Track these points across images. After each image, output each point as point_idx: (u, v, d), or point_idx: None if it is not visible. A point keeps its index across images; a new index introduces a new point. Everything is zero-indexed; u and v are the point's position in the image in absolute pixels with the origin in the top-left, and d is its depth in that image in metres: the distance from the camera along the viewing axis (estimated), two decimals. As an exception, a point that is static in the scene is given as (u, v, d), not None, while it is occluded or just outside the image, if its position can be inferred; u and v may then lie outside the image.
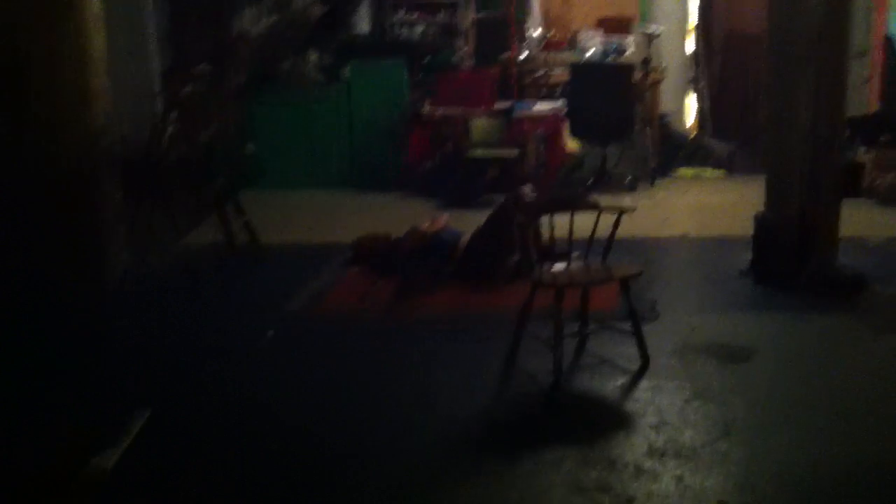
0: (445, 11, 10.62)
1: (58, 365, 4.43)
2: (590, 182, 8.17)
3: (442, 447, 3.54)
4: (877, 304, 5.19)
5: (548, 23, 9.38)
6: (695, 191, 8.35)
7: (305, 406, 3.95)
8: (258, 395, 4.05)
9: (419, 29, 10.52)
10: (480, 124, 8.19)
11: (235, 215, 6.06)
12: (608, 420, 3.75)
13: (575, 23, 10.37)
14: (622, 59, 8.94)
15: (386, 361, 4.44)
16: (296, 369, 4.38)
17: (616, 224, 4.29)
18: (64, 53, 5.05)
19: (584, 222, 4.27)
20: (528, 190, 5.46)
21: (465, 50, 10.22)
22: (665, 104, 9.27)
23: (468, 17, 10.56)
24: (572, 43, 9.49)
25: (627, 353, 4.28)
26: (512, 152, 8.07)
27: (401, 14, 10.64)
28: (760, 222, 5.57)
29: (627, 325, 4.26)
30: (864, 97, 8.44)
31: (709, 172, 9.07)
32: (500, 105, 8.31)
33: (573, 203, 4.48)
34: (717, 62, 11.93)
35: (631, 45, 9.24)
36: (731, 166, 9.12)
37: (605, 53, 9.14)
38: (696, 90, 10.20)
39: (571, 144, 8.53)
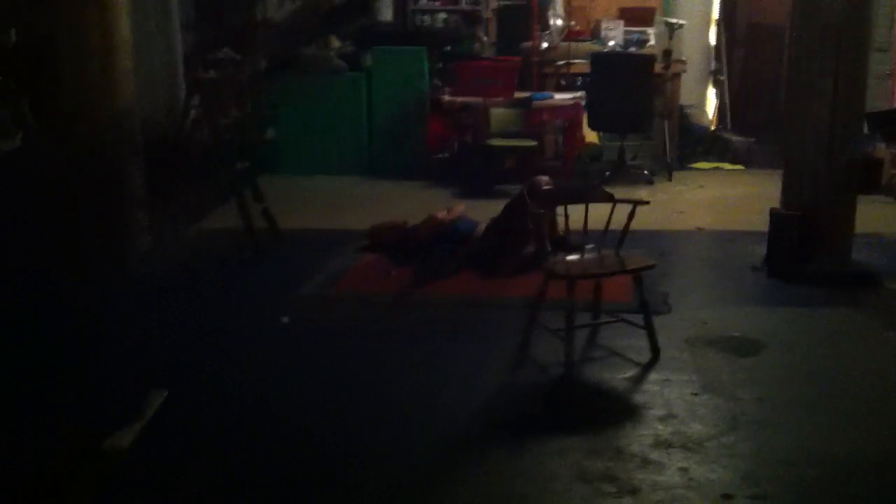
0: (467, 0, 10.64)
1: (81, 342, 4.52)
2: (607, 174, 8.18)
3: (450, 434, 3.57)
4: (889, 301, 5.21)
5: (570, 12, 9.39)
6: (712, 184, 8.35)
7: (316, 387, 4.00)
8: (264, 382, 4.09)
9: (441, 17, 10.54)
10: (499, 113, 8.21)
11: (254, 201, 6.12)
12: (616, 411, 3.78)
13: (597, 13, 10.37)
14: (643, 51, 8.93)
15: (393, 347, 4.48)
16: (306, 353, 4.43)
17: (630, 216, 4.31)
18: (90, 38, 5.12)
19: (599, 214, 4.30)
20: (544, 180, 5.49)
21: (486, 39, 10.23)
22: (685, 96, 9.26)
23: (490, 5, 10.57)
24: (594, 33, 9.49)
25: (638, 345, 4.32)
26: (530, 142, 8.11)
27: (423, 2, 10.66)
28: (775, 217, 5.58)
29: (639, 318, 4.29)
30: (885, 92, 8.39)
31: (727, 166, 9.07)
32: (520, 95, 8.33)
33: (588, 194, 4.51)
34: (740, 55, 11.89)
35: (652, 37, 9.24)
36: (749, 160, 9.12)
37: (626, 44, 9.14)
38: (716, 83, 10.17)
39: (590, 136, 8.55)
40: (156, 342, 4.54)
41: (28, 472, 3.21)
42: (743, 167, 9.03)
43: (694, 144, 9.26)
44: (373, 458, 3.39)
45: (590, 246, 4.34)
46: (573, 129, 8.31)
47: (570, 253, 4.34)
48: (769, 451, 3.40)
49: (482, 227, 5.87)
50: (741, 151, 9.22)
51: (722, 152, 9.29)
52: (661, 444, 3.43)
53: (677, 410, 3.71)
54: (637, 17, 9.69)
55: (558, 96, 8.39)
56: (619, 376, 4.10)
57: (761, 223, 5.71)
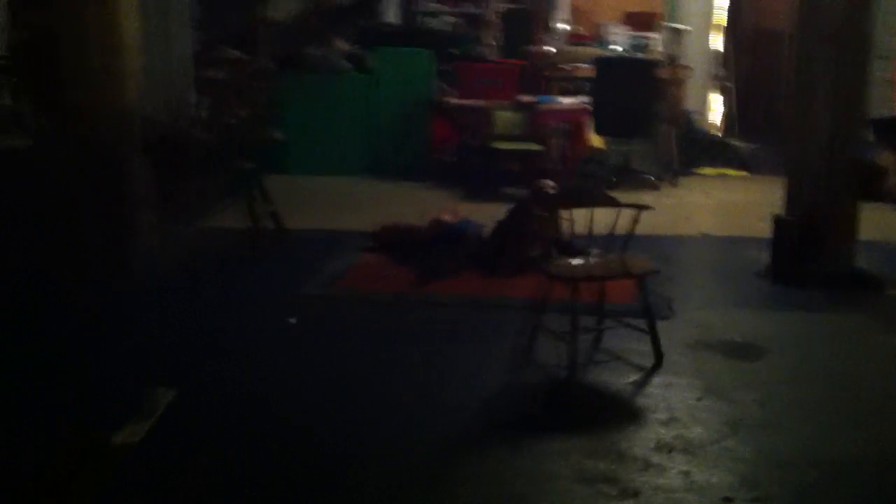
0: (473, 2, 10.66)
1: (84, 340, 4.54)
2: (613, 179, 8.19)
3: (451, 434, 3.58)
4: (891, 306, 5.23)
5: (574, 17, 9.40)
6: (717, 190, 8.37)
7: (315, 388, 4.01)
8: (265, 381, 4.10)
9: (446, 19, 10.57)
10: (504, 116, 8.23)
11: (261, 201, 6.13)
12: (618, 414, 3.78)
13: (601, 17, 10.39)
14: (647, 55, 8.95)
15: (395, 346, 4.49)
16: (307, 352, 4.44)
17: (634, 220, 4.32)
18: (97, 38, 5.14)
19: (603, 218, 4.31)
20: (548, 184, 5.51)
21: (491, 41, 10.26)
22: (689, 102, 9.28)
23: (495, 8, 10.59)
24: (598, 37, 9.52)
25: (641, 349, 4.31)
26: (534, 146, 8.12)
27: (428, 4, 10.69)
28: (778, 222, 5.60)
29: (642, 321, 4.30)
30: (887, 99, 8.41)
31: (732, 172, 9.09)
32: (524, 98, 8.34)
33: (592, 198, 4.52)
34: (745, 61, 11.90)
35: (656, 42, 9.26)
36: (754, 166, 9.13)
37: (630, 49, 9.17)
38: (722, 89, 10.19)
39: (595, 140, 8.57)
40: (158, 341, 4.55)
41: (32, 469, 3.21)
42: (747, 173, 9.05)
43: (699, 150, 9.27)
44: (373, 457, 3.39)
45: (594, 250, 4.35)
46: (577, 132, 8.32)
47: (574, 256, 4.35)
48: (770, 454, 3.40)
49: (487, 228, 5.89)
50: (746, 157, 9.24)
51: (727, 158, 9.30)
52: (663, 447, 3.43)
53: (679, 414, 3.72)
54: (641, 22, 9.73)
55: (562, 100, 8.40)
56: (621, 379, 4.10)
57: (765, 229, 5.73)
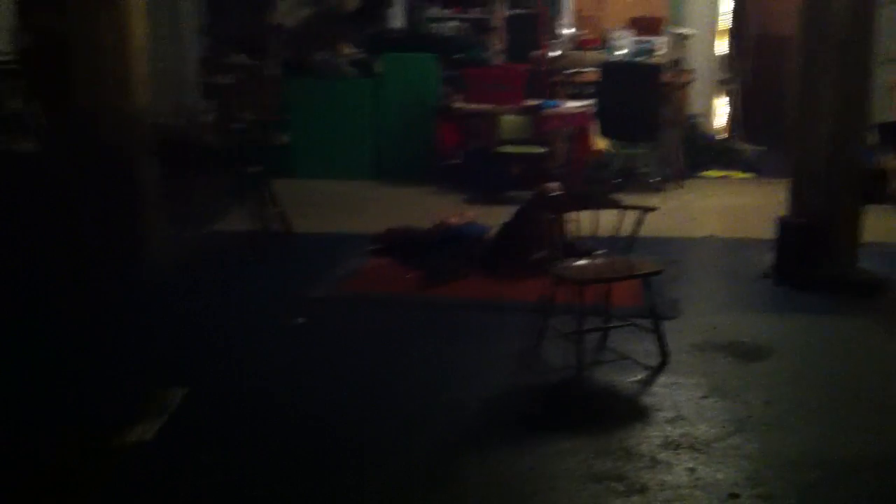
0: (478, 7, 10.71)
1: (96, 339, 4.59)
2: (618, 181, 8.24)
3: (459, 432, 3.63)
4: (894, 309, 5.24)
5: (579, 21, 9.45)
6: (722, 192, 8.41)
7: (320, 389, 4.05)
8: (272, 381, 4.14)
9: (452, 24, 10.61)
10: (509, 121, 8.29)
11: (268, 203, 6.18)
12: (625, 413, 3.82)
13: (606, 22, 10.43)
14: (652, 60, 9.00)
15: (407, 347, 4.54)
16: (314, 352, 4.48)
17: (639, 222, 4.37)
18: (107, 42, 5.20)
19: (608, 220, 4.35)
20: (554, 187, 5.55)
21: (496, 46, 10.30)
22: (694, 105, 9.32)
23: (500, 13, 10.64)
24: (603, 42, 9.56)
25: (647, 349, 4.36)
26: (540, 149, 8.17)
27: (434, 9, 10.74)
28: (782, 225, 5.63)
29: (648, 322, 4.34)
30: (892, 104, 8.43)
31: (737, 174, 9.13)
32: (530, 102, 8.39)
33: (597, 201, 4.57)
34: (750, 64, 11.94)
35: (661, 46, 9.30)
36: (759, 169, 9.17)
37: (635, 53, 9.21)
38: (726, 92, 10.23)
39: (600, 143, 8.61)
40: (167, 341, 4.60)
41: (42, 468, 3.27)
42: (752, 175, 9.08)
43: (703, 153, 9.31)
44: (381, 456, 3.43)
45: (599, 251, 4.39)
46: (582, 136, 8.37)
47: (580, 258, 4.40)
48: (775, 453, 3.44)
49: (493, 231, 5.93)
50: (751, 160, 9.27)
51: (731, 161, 9.34)
52: (670, 444, 3.48)
53: (685, 412, 3.76)
54: (646, 27, 9.75)
55: (567, 104, 8.45)
56: (628, 379, 4.15)
57: (770, 231, 5.76)
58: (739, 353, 4.45)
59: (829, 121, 5.41)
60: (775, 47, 11.34)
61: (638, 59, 9.09)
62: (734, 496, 3.11)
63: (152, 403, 3.73)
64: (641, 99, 8.20)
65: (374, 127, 8.90)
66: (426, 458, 3.42)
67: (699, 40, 9.50)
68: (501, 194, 7.70)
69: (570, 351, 4.14)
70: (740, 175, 9.12)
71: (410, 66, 8.89)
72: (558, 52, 9.27)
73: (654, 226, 4.78)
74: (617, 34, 9.40)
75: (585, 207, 4.46)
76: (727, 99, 10.23)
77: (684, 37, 8.85)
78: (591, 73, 8.80)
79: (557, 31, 9.63)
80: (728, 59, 10.29)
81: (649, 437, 3.54)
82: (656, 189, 8.26)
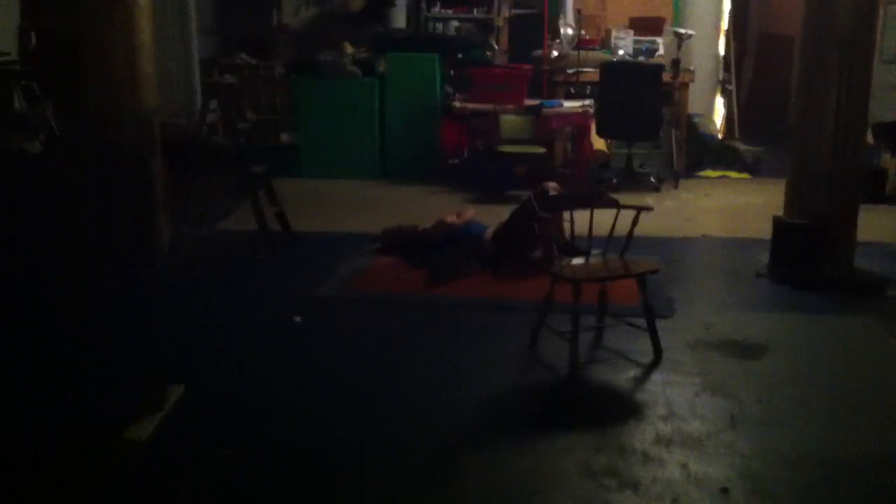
0: (480, 8, 10.77)
1: (95, 337, 4.65)
2: (615, 181, 8.31)
3: (459, 432, 3.68)
4: (892, 307, 5.30)
5: (581, 22, 9.49)
6: (719, 192, 8.46)
7: (321, 388, 4.10)
8: (275, 380, 4.20)
9: (454, 24, 10.68)
10: (510, 120, 8.34)
11: (268, 203, 6.24)
12: (619, 410, 3.88)
13: (608, 22, 10.49)
14: (652, 60, 9.05)
15: (408, 347, 4.59)
16: (317, 352, 4.53)
17: (634, 222, 4.43)
18: (115, 42, 5.26)
19: (605, 220, 4.42)
20: (551, 186, 5.61)
21: (498, 47, 10.36)
22: (693, 105, 9.37)
23: (502, 13, 10.70)
24: (604, 42, 9.61)
25: (642, 347, 4.42)
26: (540, 149, 8.24)
27: (436, 9, 10.81)
28: (779, 225, 5.69)
29: (643, 321, 4.40)
30: (892, 104, 8.49)
31: (735, 174, 9.18)
32: (530, 102, 8.45)
33: (593, 200, 4.63)
34: (750, 65, 12.00)
35: (662, 46, 9.36)
36: (757, 169, 9.22)
37: (635, 54, 9.27)
38: (725, 93, 10.29)
39: (599, 143, 8.67)
40: (168, 340, 4.65)
41: (42, 464, 3.31)
42: (750, 176, 9.14)
43: (702, 153, 9.37)
44: (381, 453, 3.48)
45: (596, 251, 4.45)
46: (582, 136, 8.43)
47: (577, 257, 4.46)
48: (768, 449, 3.49)
49: (490, 231, 6.00)
50: (749, 160, 9.33)
51: (730, 161, 9.40)
52: (662, 441, 3.54)
53: (678, 409, 3.82)
54: (647, 27, 9.81)
55: (568, 104, 8.50)
56: (622, 377, 4.20)
57: (767, 231, 5.83)
58: (734, 352, 4.50)
59: (830, 121, 5.46)
60: (775, 48, 11.41)
61: (639, 59, 9.15)
62: (725, 491, 3.17)
63: (150, 400, 3.77)
64: (642, 99, 8.26)
65: (378, 127, 8.96)
66: (425, 457, 3.47)
67: (700, 40, 9.54)
68: (503, 193, 7.77)
69: (566, 350, 4.19)
70: (738, 175, 9.17)
71: (414, 66, 8.95)
72: (559, 52, 9.32)
73: (652, 225, 4.84)
74: (618, 34, 9.46)
75: (583, 207, 4.52)
76: (725, 99, 10.28)
77: (685, 37, 8.90)
78: (592, 73, 8.85)
79: (559, 31, 9.67)
80: (726, 60, 10.34)
81: (642, 434, 3.60)
82: (654, 189, 8.32)
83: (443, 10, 10.85)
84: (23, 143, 5.53)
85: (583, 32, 9.42)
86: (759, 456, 3.44)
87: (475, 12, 10.74)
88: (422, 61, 8.93)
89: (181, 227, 5.79)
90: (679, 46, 8.83)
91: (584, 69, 8.89)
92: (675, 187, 8.47)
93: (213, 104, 6.34)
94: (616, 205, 4.50)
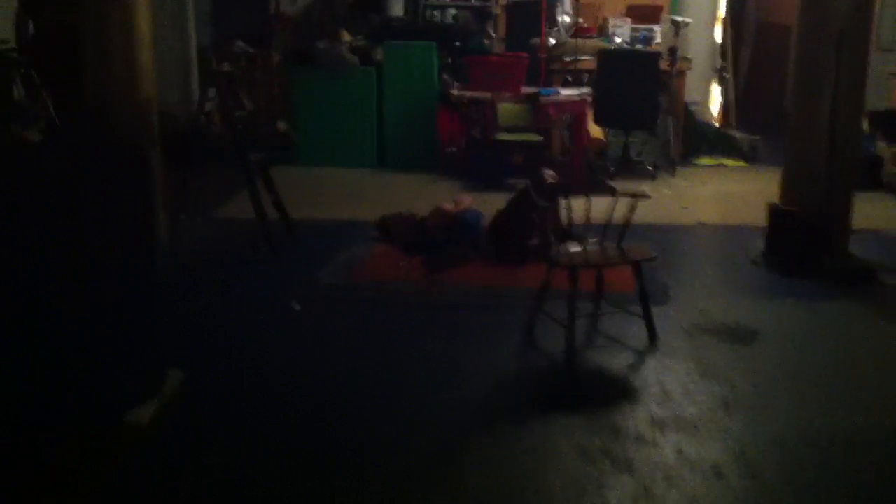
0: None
1: (102, 325, 4.69)
2: (612, 169, 8.35)
3: (459, 416, 3.73)
4: (885, 294, 5.34)
5: (578, 9, 9.51)
6: (716, 180, 8.49)
7: (328, 375, 4.15)
8: (275, 367, 4.25)
9: (451, 12, 10.68)
10: (507, 109, 8.37)
11: (267, 192, 6.26)
12: (615, 394, 3.93)
13: (605, 10, 10.49)
14: (649, 48, 9.07)
15: (407, 334, 4.65)
16: (316, 340, 4.58)
17: (631, 209, 4.47)
18: (113, 32, 5.28)
19: (602, 207, 4.46)
20: (548, 173, 5.64)
21: (495, 35, 10.38)
22: (690, 93, 9.40)
23: (500, 1, 10.70)
24: (601, 30, 9.63)
25: (638, 333, 4.48)
26: (537, 137, 8.26)
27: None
28: (774, 212, 5.73)
29: (639, 307, 4.45)
30: (890, 92, 8.53)
31: (731, 162, 9.22)
32: (528, 90, 8.48)
33: (590, 188, 4.67)
34: (747, 53, 12.01)
35: (659, 34, 9.38)
36: (754, 157, 9.26)
37: (632, 42, 9.29)
38: (722, 81, 10.32)
39: (596, 131, 8.70)
40: (167, 336, 4.66)
41: (39, 465, 3.31)
42: (747, 164, 9.17)
43: (698, 141, 9.41)
44: (381, 435, 3.54)
45: (593, 238, 4.49)
46: (579, 124, 8.45)
47: (573, 244, 4.50)
48: (761, 432, 3.54)
49: (488, 219, 6.03)
50: (745, 148, 9.36)
51: (726, 149, 9.43)
52: (657, 424, 3.59)
53: (673, 394, 3.88)
54: (644, 15, 9.82)
55: (565, 92, 8.52)
56: (618, 362, 4.26)
57: (762, 218, 5.86)
58: (728, 337, 4.56)
59: (827, 109, 5.49)
60: (772, 36, 11.42)
61: (636, 47, 9.17)
62: (719, 473, 3.22)
63: (148, 385, 3.79)
64: (639, 87, 8.28)
65: (376, 115, 8.98)
66: (424, 441, 3.52)
67: (697, 28, 9.57)
68: (500, 181, 7.80)
69: (562, 336, 4.24)
70: (734, 163, 9.21)
71: (411, 54, 8.96)
72: (557, 40, 9.34)
73: (648, 213, 4.88)
74: (615, 22, 9.48)
75: (579, 194, 4.56)
76: (722, 87, 10.31)
77: (682, 25, 8.92)
78: (589, 62, 8.87)
79: (556, 19, 9.69)
80: (723, 48, 10.37)
81: (637, 417, 3.66)
82: (651, 177, 8.36)
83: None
84: (22, 133, 5.56)
85: (580, 20, 9.44)
86: (752, 438, 3.49)
87: (473, 0, 10.73)
88: (419, 50, 8.94)
89: (180, 217, 5.81)
90: (676, 34, 8.86)
91: (582, 57, 8.91)
92: (672, 175, 8.51)
93: (211, 93, 6.35)
94: (613, 192, 4.54)
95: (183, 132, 6.09)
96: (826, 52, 5.45)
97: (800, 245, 5.57)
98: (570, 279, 4.17)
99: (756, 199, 6.89)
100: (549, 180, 5.35)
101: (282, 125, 8.98)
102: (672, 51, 8.71)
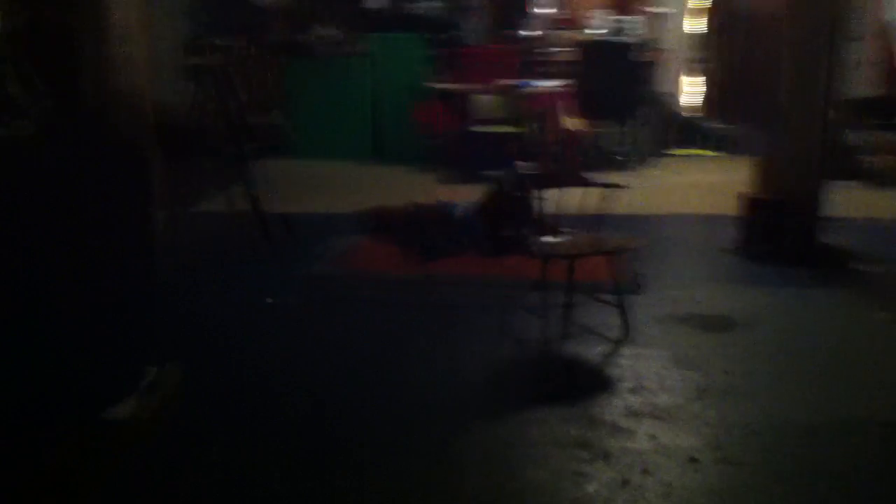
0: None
1: (96, 320, 4.69)
2: (590, 159, 8.38)
3: (436, 404, 3.76)
4: (858, 281, 5.41)
5: (558, 1, 9.53)
6: (691, 170, 8.55)
7: (309, 364, 4.18)
8: (273, 357, 4.28)
9: (436, 4, 10.65)
10: (489, 100, 8.39)
11: (248, 185, 6.24)
12: (589, 384, 3.96)
13: (585, 1, 10.51)
14: (628, 39, 9.11)
15: (389, 323, 4.69)
16: (305, 330, 4.62)
17: (607, 199, 4.50)
18: (107, 24, 5.23)
19: (579, 198, 4.48)
20: (526, 165, 5.68)
21: (478, 26, 10.37)
22: (667, 84, 9.45)
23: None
24: (581, 22, 9.66)
25: (612, 322, 4.51)
26: (518, 128, 8.29)
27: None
28: (749, 201, 5.78)
29: (614, 297, 4.49)
30: (859, 81, 8.60)
31: (707, 152, 9.28)
32: (510, 82, 8.49)
33: (568, 179, 4.70)
34: (725, 44, 12.04)
35: (638, 25, 9.41)
36: (729, 147, 9.32)
37: (611, 32, 9.32)
38: (701, 71, 10.36)
39: (576, 123, 8.73)
40: (165, 321, 4.71)
41: (39, 465, 3.29)
42: (722, 153, 9.23)
43: (676, 131, 9.46)
44: (362, 425, 3.57)
45: (568, 229, 4.52)
46: (560, 115, 8.48)
47: (550, 235, 4.53)
48: (735, 419, 3.58)
49: (468, 210, 6.05)
50: (721, 138, 9.42)
51: (702, 139, 9.49)
52: (632, 412, 3.63)
53: (647, 382, 3.92)
54: (624, 6, 9.85)
55: (546, 84, 8.55)
56: (593, 351, 4.29)
57: (736, 207, 5.91)
58: (702, 325, 4.61)
59: (803, 98, 5.54)
60: (754, 26, 11.45)
61: (616, 38, 9.20)
62: (694, 460, 3.26)
63: (145, 382, 3.78)
64: (617, 78, 8.32)
65: (364, 107, 8.98)
66: (402, 431, 3.55)
67: (676, 19, 9.61)
68: (481, 173, 7.80)
69: (538, 325, 4.28)
70: (711, 153, 9.27)
71: (400, 46, 8.95)
72: (538, 32, 9.36)
73: (623, 203, 4.91)
74: (594, 13, 9.51)
75: (557, 185, 4.58)
76: (701, 78, 10.36)
77: (661, 16, 8.96)
78: (568, 53, 8.90)
79: (537, 11, 9.71)
80: (703, 39, 10.41)
81: (612, 406, 3.69)
82: (625, 167, 8.40)
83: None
84: (16, 127, 5.50)
85: (561, 11, 9.46)
86: (727, 426, 3.53)
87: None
88: (408, 41, 8.94)
89: (174, 210, 5.78)
90: (655, 25, 8.90)
91: (562, 48, 8.92)
92: (647, 165, 8.56)
93: (202, 86, 6.31)
94: (589, 183, 4.56)
95: (175, 125, 6.05)
96: (807, 42, 5.49)
97: (773, 233, 5.63)
98: (545, 270, 4.19)
99: (730, 188, 6.91)
100: (526, 172, 5.39)
101: (273, 117, 8.96)
102: (651, 41, 8.75)
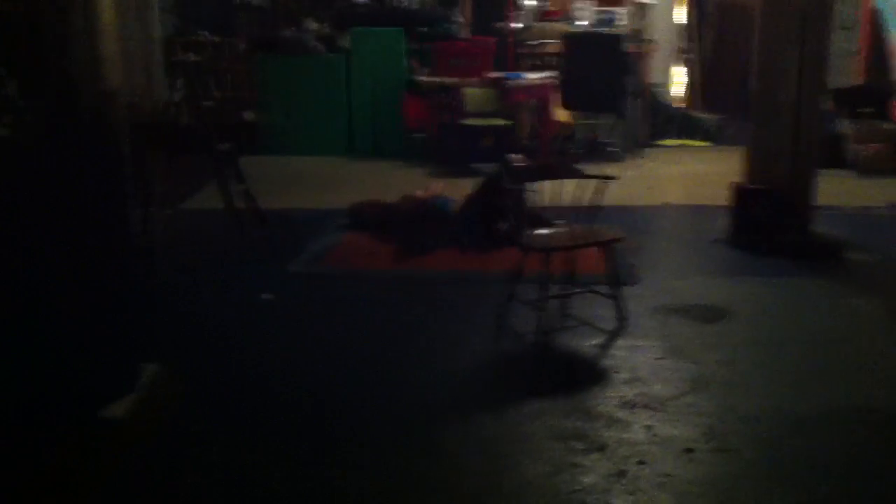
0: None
1: (74, 319, 4.65)
2: (580, 151, 8.39)
3: (433, 400, 3.76)
4: (848, 270, 5.44)
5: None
6: (680, 161, 8.58)
7: (302, 363, 4.17)
8: (257, 353, 4.26)
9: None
10: (475, 93, 8.39)
11: (235, 182, 6.24)
12: (585, 375, 3.98)
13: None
14: (613, 31, 9.12)
15: (381, 320, 4.67)
16: (295, 328, 4.60)
17: (599, 191, 4.51)
18: (76, 23, 5.21)
19: (570, 190, 4.48)
20: (517, 158, 5.68)
21: (461, 19, 10.38)
22: (655, 75, 9.47)
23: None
24: (567, 14, 9.67)
25: (607, 314, 4.52)
26: (505, 121, 8.30)
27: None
28: (739, 191, 5.80)
29: (608, 288, 4.50)
30: (850, 70, 8.64)
31: (695, 143, 9.31)
32: (494, 75, 8.49)
33: (559, 171, 4.70)
34: (711, 34, 12.07)
35: (623, 17, 9.43)
36: (718, 137, 9.35)
37: (597, 24, 9.33)
38: (686, 62, 10.39)
39: (563, 115, 8.75)
40: (147, 319, 4.68)
41: (39, 465, 3.27)
42: (711, 144, 9.27)
43: (663, 122, 9.48)
44: (366, 410, 3.59)
45: (562, 221, 4.53)
46: (546, 107, 8.49)
47: (544, 227, 4.53)
48: (730, 409, 3.60)
49: (457, 204, 6.06)
50: (710, 129, 9.45)
51: (691, 130, 9.52)
52: (627, 404, 3.64)
53: (642, 374, 3.93)
54: (609, -2, 9.87)
55: (531, 76, 8.56)
56: (588, 343, 4.30)
57: (727, 198, 5.93)
58: (696, 316, 4.62)
59: (790, 89, 5.56)
60: (736, 17, 11.48)
61: (601, 29, 9.21)
62: (690, 451, 3.27)
63: (129, 380, 3.78)
64: (603, 70, 8.33)
65: (343, 103, 8.96)
66: (400, 425, 3.54)
67: (661, 10, 9.63)
68: (469, 167, 7.82)
69: (535, 318, 4.28)
70: (698, 143, 9.30)
71: (378, 41, 8.94)
72: (523, 24, 9.36)
73: (614, 194, 4.92)
74: (580, 5, 9.52)
75: (548, 178, 4.59)
76: (687, 68, 10.39)
77: (646, 7, 8.98)
78: (555, 45, 8.90)
79: (522, 3, 9.71)
80: (688, 29, 10.44)
81: (608, 398, 3.70)
82: (616, 158, 8.41)
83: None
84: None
85: (547, 4, 9.46)
86: (721, 416, 3.55)
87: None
88: (387, 36, 8.93)
89: (149, 209, 5.78)
90: (640, 17, 8.91)
91: (548, 41, 8.93)
92: (638, 157, 8.58)
93: (179, 83, 6.32)
94: (580, 175, 4.57)
95: (150, 123, 6.04)
96: (789, 32, 5.51)
97: (764, 223, 5.64)
98: (541, 262, 4.20)
99: (720, 178, 6.95)
100: (518, 164, 5.40)
101: (249, 115, 8.94)
102: (636, 33, 8.76)
